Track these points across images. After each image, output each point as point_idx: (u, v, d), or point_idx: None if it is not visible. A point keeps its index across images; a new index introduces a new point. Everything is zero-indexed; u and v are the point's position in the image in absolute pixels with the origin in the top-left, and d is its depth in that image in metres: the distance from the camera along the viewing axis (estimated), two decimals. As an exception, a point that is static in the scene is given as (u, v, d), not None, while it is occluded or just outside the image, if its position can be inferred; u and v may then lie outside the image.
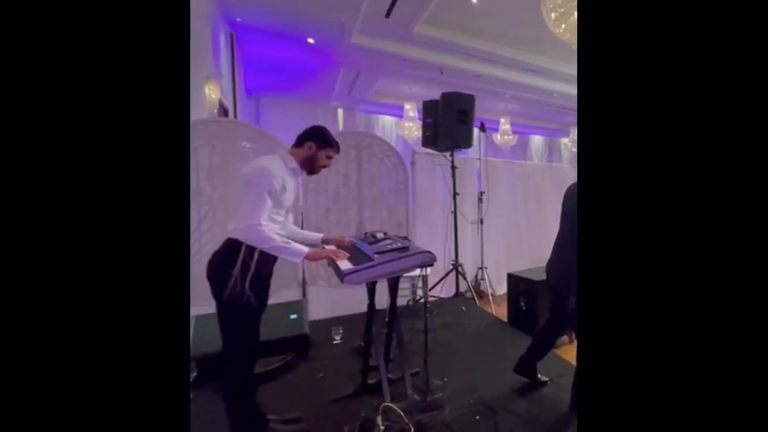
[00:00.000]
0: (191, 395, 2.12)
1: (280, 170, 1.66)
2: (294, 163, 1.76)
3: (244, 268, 1.58)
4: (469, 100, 3.84)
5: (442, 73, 6.45)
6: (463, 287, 4.02)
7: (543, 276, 3.10)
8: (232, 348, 1.68)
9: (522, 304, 3.18)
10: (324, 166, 1.83)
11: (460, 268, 3.92)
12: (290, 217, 1.92)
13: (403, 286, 3.36)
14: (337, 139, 3.62)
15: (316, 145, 1.77)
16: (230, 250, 1.61)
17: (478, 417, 1.93)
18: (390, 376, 2.05)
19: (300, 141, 1.79)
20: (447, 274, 3.94)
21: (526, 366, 2.25)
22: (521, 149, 10.53)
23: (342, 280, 1.67)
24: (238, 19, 5.07)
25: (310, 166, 1.80)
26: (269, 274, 1.75)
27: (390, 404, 1.79)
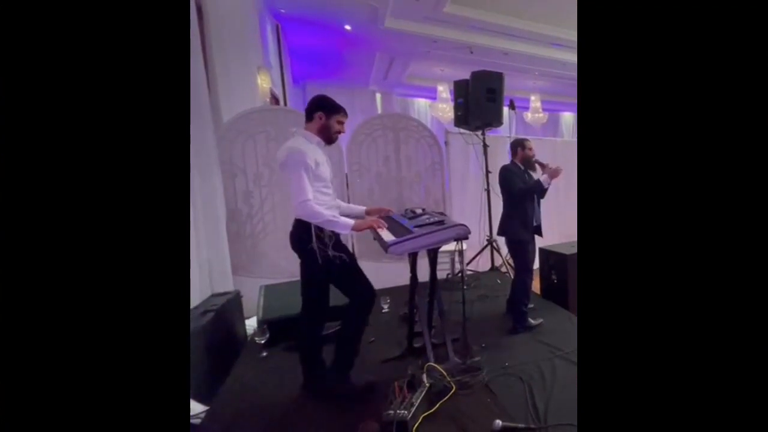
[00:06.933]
0: (264, 354, 2.30)
1: (306, 146, 1.69)
2: (315, 137, 1.76)
3: (320, 239, 1.69)
4: (498, 77, 3.69)
5: (471, 52, 6.19)
6: (498, 262, 4.00)
7: (573, 250, 3.08)
8: (312, 309, 1.85)
9: (553, 277, 3.15)
10: (339, 132, 1.82)
11: (494, 244, 3.89)
12: (334, 193, 1.97)
13: (443, 260, 3.39)
14: (376, 122, 3.59)
15: (325, 114, 1.76)
16: (300, 227, 1.71)
17: (513, 378, 1.98)
18: (433, 340, 2.12)
19: (309, 114, 1.78)
20: (482, 249, 3.94)
21: (516, 310, 2.54)
22: (552, 127, 10.03)
23: (386, 251, 1.76)
24: (282, 11, 5.06)
25: (326, 135, 1.79)
26: (341, 237, 1.83)
27: (434, 364, 1.88)
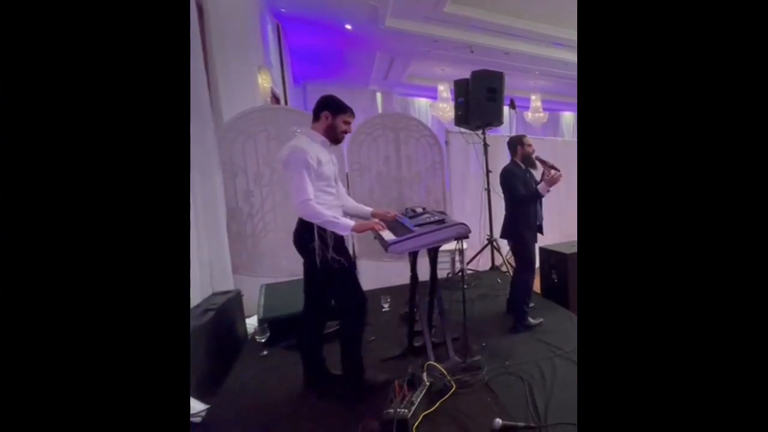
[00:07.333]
0: (264, 353, 2.30)
1: (310, 146, 1.68)
2: (320, 137, 1.76)
3: (321, 239, 1.68)
4: (498, 77, 3.68)
5: (472, 51, 6.18)
6: (498, 261, 4.00)
7: (573, 249, 3.08)
8: (313, 308, 1.85)
9: (554, 276, 3.15)
10: (345, 132, 1.82)
11: (495, 243, 3.89)
12: (342, 189, 1.97)
13: (444, 259, 3.39)
14: (376, 121, 3.58)
15: (331, 114, 1.76)
16: (303, 226, 1.71)
17: (513, 377, 1.98)
18: (434, 339, 2.12)
19: (316, 114, 1.78)
20: (483, 249, 3.94)
21: (517, 309, 2.55)
22: (552, 126, 10.01)
23: (386, 250, 1.76)
24: (283, 10, 5.05)
25: (333, 135, 1.79)
26: (344, 239, 1.82)
27: (434, 363, 1.87)
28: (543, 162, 2.53)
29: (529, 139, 2.66)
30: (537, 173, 2.64)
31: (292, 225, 1.79)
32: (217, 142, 2.84)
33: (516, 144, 2.61)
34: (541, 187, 2.47)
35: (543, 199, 2.62)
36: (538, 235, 2.66)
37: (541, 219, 2.65)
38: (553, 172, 2.46)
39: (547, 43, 6.29)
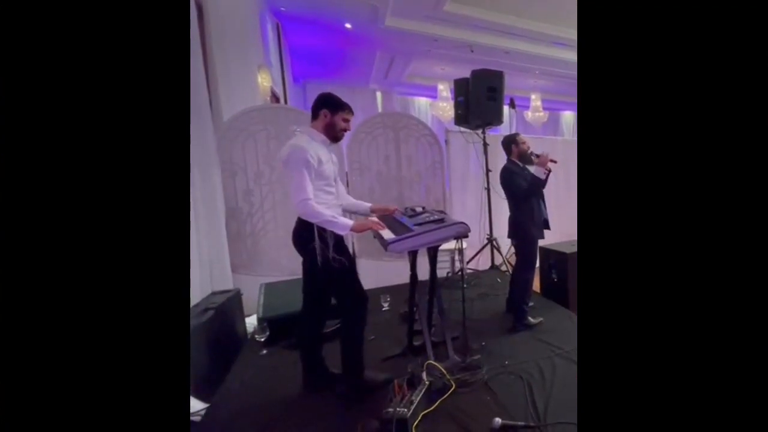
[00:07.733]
0: (264, 352, 2.30)
1: (310, 144, 1.67)
2: (320, 135, 1.76)
3: (322, 239, 1.68)
4: (498, 76, 3.68)
5: (472, 51, 6.17)
6: (498, 260, 4.00)
7: (573, 248, 3.08)
8: (312, 307, 1.85)
9: (553, 275, 3.15)
10: (344, 130, 1.81)
11: (494, 242, 3.89)
12: (342, 188, 1.96)
13: (443, 259, 3.39)
14: (376, 120, 3.57)
15: (330, 112, 1.75)
16: (303, 225, 1.71)
17: (513, 376, 1.99)
18: (433, 339, 2.12)
19: (315, 112, 1.77)
20: (482, 248, 3.94)
21: (516, 309, 2.55)
22: (552, 125, 10.01)
23: (386, 249, 1.76)
24: (282, 9, 5.05)
25: (332, 133, 1.78)
26: (344, 238, 1.81)
27: (434, 362, 1.87)
28: (538, 157, 2.55)
29: (523, 136, 2.66)
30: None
31: (292, 224, 1.79)
32: (217, 142, 2.84)
33: (510, 143, 2.62)
34: (536, 170, 2.47)
35: (543, 198, 2.62)
36: (545, 231, 2.65)
37: (546, 214, 2.64)
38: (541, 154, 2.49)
39: (547, 42, 6.28)
